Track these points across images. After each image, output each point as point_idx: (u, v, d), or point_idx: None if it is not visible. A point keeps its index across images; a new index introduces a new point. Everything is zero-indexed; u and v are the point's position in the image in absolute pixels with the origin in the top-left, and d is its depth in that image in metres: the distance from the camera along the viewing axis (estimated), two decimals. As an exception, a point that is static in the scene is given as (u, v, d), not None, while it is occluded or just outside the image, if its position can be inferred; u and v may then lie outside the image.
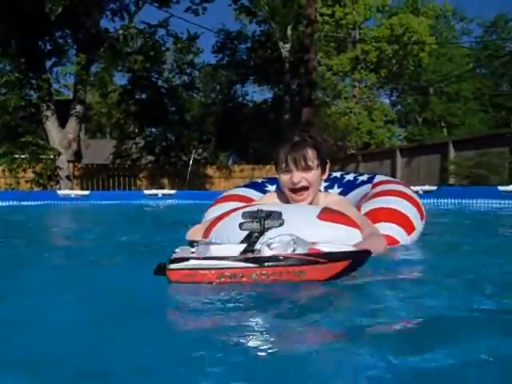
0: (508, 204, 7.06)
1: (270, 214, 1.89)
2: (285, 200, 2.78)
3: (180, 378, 1.14)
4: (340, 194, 3.38)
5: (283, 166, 2.60)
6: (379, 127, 27.97)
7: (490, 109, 30.74)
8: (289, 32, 29.26)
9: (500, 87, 31.36)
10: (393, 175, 17.28)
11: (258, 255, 1.82)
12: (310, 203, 2.68)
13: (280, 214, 1.91)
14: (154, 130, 26.86)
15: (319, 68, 28.42)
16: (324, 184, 3.35)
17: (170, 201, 10.70)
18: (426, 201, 8.11)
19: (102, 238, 4.09)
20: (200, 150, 28.72)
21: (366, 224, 2.55)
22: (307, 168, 2.59)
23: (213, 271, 1.78)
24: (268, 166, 22.64)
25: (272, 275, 1.76)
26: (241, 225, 1.89)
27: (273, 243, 1.83)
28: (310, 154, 2.60)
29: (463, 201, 7.84)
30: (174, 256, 1.83)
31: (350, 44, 32.05)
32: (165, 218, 7.15)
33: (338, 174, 3.69)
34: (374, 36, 31.54)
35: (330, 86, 27.58)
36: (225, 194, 3.44)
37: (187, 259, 1.81)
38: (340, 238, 2.21)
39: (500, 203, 7.43)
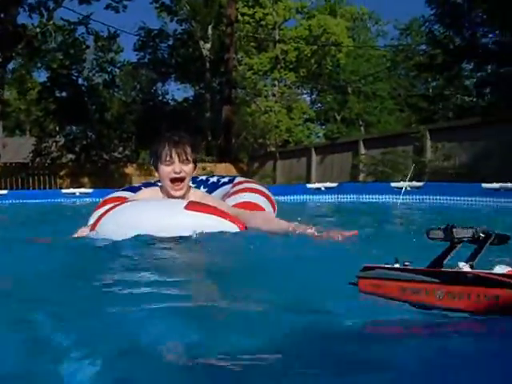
0: (398, 199, 7.69)
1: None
2: (157, 195, 3.20)
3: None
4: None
5: (167, 158, 2.97)
6: (298, 125, 28.74)
7: (406, 108, 31.97)
8: (209, 31, 29.63)
9: (415, 88, 32.64)
10: (308, 172, 17.95)
11: (455, 270, 1.43)
12: (183, 197, 3.10)
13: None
14: (74, 128, 26.65)
15: (240, 67, 28.91)
16: (192, 185, 3.76)
17: (87, 199, 10.84)
18: (328, 196, 8.68)
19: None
20: (120, 149, 28.68)
21: (246, 213, 3.11)
22: (187, 161, 3.00)
23: (397, 283, 1.54)
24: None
25: (458, 296, 1.38)
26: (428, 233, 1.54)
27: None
28: (189, 149, 3.03)
29: (361, 196, 8.44)
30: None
31: (270, 44, 32.68)
32: (79, 216, 7.32)
33: (203, 177, 4.26)
34: (293, 36, 32.27)
35: (250, 84, 28.06)
36: (105, 197, 3.78)
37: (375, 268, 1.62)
38: (208, 227, 2.71)
39: (394, 198, 8.08)
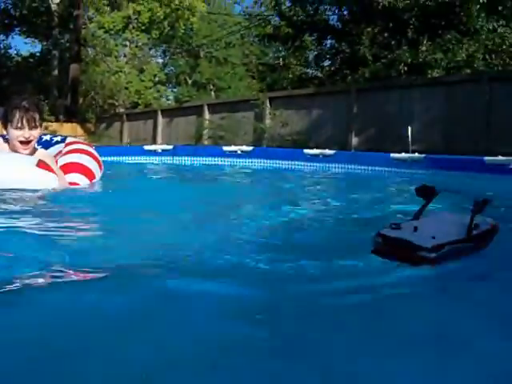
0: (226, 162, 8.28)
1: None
2: (7, 149, 3.56)
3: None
4: None
5: (18, 124, 3.38)
6: (148, 88, 28.55)
7: (257, 75, 32.69)
8: (60, -16, 28.41)
9: (266, 56, 33.46)
10: (154, 134, 18.17)
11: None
12: (29, 154, 3.53)
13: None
14: None
15: (90, 25, 28.02)
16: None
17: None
18: (165, 158, 9.08)
19: None
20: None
21: (60, 172, 3.58)
22: (35, 126, 3.45)
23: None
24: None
25: None
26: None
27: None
28: (37, 116, 3.47)
29: (194, 158, 8.94)
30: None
31: (124, 3, 31.94)
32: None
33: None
34: (147, -3, 31.79)
35: (101, 43, 27.35)
36: None
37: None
38: (48, 183, 3.26)
39: (223, 161, 8.68)
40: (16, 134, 3.41)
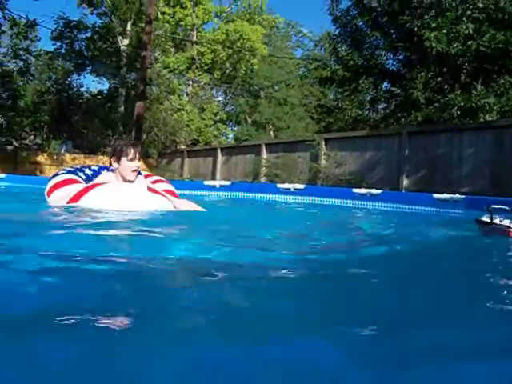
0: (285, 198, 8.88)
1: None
2: (115, 179, 4.41)
3: None
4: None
5: (130, 156, 4.29)
6: (209, 126, 29.69)
7: (316, 115, 33.29)
8: (128, 27, 29.98)
9: (326, 97, 34.05)
10: (213, 171, 18.93)
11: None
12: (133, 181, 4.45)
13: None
14: (-16, 113, 26.40)
15: (156, 65, 29.46)
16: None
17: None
18: (223, 192, 9.73)
19: None
20: (32, 137, 28.62)
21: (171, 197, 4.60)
22: (140, 159, 4.39)
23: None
24: (100, 156, 23.29)
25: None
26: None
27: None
28: (140, 151, 4.43)
29: (249, 194, 9.56)
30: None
31: (188, 44, 33.38)
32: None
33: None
34: (211, 39, 33.15)
35: (165, 82, 28.67)
36: (59, 179, 4.64)
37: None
38: (160, 205, 4.16)
39: (279, 197, 9.27)
40: (129, 164, 4.30)
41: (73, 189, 4.25)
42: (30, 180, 11.72)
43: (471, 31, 13.60)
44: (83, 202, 3.94)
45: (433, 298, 1.82)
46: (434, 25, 13.90)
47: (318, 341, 1.29)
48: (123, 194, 4.05)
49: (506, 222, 3.45)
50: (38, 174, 20.67)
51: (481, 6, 13.74)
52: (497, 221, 3.52)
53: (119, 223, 3.52)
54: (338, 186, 12.44)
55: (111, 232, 3.11)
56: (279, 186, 9.61)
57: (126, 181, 4.35)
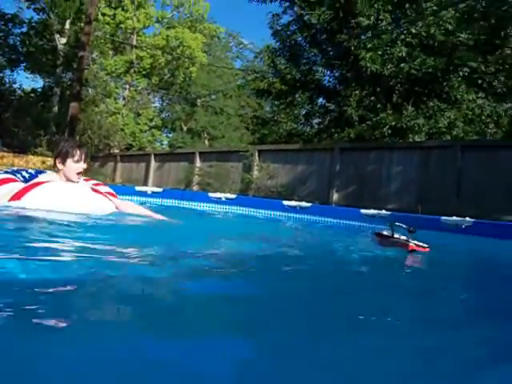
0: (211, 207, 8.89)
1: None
2: (58, 179, 4.35)
3: None
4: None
5: (76, 158, 4.29)
6: (143, 131, 29.46)
7: (251, 126, 33.52)
8: (67, 26, 29.45)
9: (262, 109, 34.36)
10: (146, 177, 18.77)
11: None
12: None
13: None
14: None
15: (93, 66, 28.99)
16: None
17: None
18: (154, 199, 9.67)
19: None
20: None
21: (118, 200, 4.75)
22: (85, 161, 4.37)
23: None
24: (30, 156, 22.67)
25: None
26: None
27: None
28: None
29: (181, 202, 9.54)
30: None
31: (127, 47, 33.06)
32: None
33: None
34: (150, 44, 32.95)
35: (102, 84, 28.27)
36: None
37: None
38: (105, 206, 4.22)
39: (209, 206, 9.28)
40: (75, 166, 4.28)
41: (14, 186, 4.12)
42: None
43: (404, 54, 14.07)
44: (26, 200, 3.84)
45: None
46: (369, 45, 14.31)
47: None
48: (68, 193, 4.03)
49: (403, 238, 4.01)
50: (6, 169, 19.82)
51: (414, 31, 14.25)
52: (397, 235, 4.12)
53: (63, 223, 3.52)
54: (270, 198, 12.58)
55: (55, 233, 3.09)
56: (211, 194, 9.63)
57: (69, 181, 4.33)
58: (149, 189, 10.20)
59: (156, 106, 36.67)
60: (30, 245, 2.65)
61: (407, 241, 3.91)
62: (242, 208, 9.22)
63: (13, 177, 4.57)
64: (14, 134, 29.67)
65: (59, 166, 4.31)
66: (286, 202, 8.98)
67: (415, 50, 14.26)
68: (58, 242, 2.79)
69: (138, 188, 10.26)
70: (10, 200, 3.90)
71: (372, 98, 15.73)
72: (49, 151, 24.48)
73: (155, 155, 19.53)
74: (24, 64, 31.91)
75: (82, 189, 4.24)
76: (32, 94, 32.64)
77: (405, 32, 14.54)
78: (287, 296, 2.02)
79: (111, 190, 4.83)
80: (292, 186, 13.88)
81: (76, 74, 22.29)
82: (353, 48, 14.85)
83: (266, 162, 14.88)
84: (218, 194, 9.60)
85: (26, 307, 1.46)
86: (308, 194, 13.25)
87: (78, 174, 4.34)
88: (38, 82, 35.19)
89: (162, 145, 34.01)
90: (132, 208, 4.53)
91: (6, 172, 4.74)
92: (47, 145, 26.08)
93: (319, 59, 17.59)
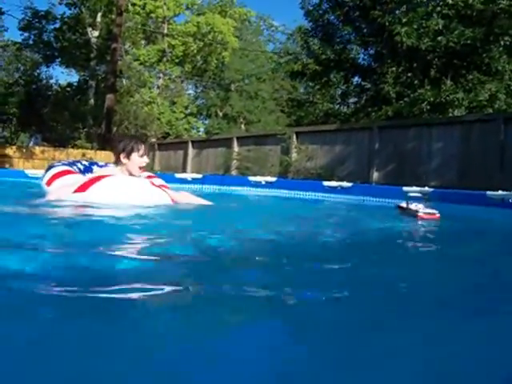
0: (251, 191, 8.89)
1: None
2: (120, 173, 4.44)
3: None
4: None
5: (141, 152, 4.42)
6: (179, 119, 29.56)
7: (287, 109, 33.34)
8: (98, 19, 29.66)
9: (297, 91, 34.11)
10: (184, 164, 18.86)
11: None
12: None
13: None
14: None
15: (126, 57, 29.20)
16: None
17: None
18: (194, 186, 9.70)
19: None
20: (-1, 129, 28.17)
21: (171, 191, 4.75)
22: (147, 155, 4.52)
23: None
24: (70, 149, 22.97)
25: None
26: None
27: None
28: None
29: (221, 186, 9.56)
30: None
31: (159, 37, 33.15)
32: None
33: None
34: (182, 31, 32.95)
35: (136, 75, 28.44)
36: (58, 170, 4.73)
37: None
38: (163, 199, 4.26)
39: (250, 190, 9.28)
40: (139, 160, 4.41)
41: (77, 179, 4.34)
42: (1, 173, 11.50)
43: (441, 27, 13.78)
44: (92, 192, 3.96)
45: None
46: (404, 20, 14.05)
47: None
48: (132, 187, 4.15)
49: (420, 206, 4.53)
50: (7, 167, 20.21)
51: (450, 2, 13.92)
52: (412, 206, 4.64)
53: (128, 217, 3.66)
54: (309, 180, 12.50)
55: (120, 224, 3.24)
56: (251, 178, 9.62)
57: (131, 175, 4.46)
58: (189, 175, 10.25)
59: (190, 94, 36.78)
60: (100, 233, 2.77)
61: (417, 211, 4.46)
62: (282, 191, 9.18)
63: (71, 169, 4.80)
64: (52, 128, 30.14)
65: (124, 160, 4.44)
66: (326, 183, 8.91)
67: (452, 21, 13.93)
68: (132, 232, 2.87)
69: (178, 175, 10.32)
70: (75, 191, 4.03)
71: (409, 74, 15.47)
72: (88, 143, 24.82)
73: (192, 142, 19.61)
74: (59, 59, 32.27)
75: (143, 183, 4.34)
76: (68, 89, 33.03)
77: (441, 3, 14.22)
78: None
79: (164, 182, 4.88)
80: (331, 167, 13.77)
81: (110, 66, 22.47)
82: (387, 24, 14.60)
83: (304, 144, 14.78)
84: (257, 178, 9.58)
85: (105, 295, 1.49)
86: (347, 175, 13.11)
87: (141, 168, 4.47)
88: (73, 76, 35.48)
89: (198, 132, 34.08)
90: (186, 197, 4.59)
91: (65, 164, 4.98)
92: (86, 137, 26.46)
93: (353, 37, 17.37)
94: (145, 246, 2.55)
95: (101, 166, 5.06)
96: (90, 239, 2.50)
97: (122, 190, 4.05)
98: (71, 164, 5.01)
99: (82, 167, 4.97)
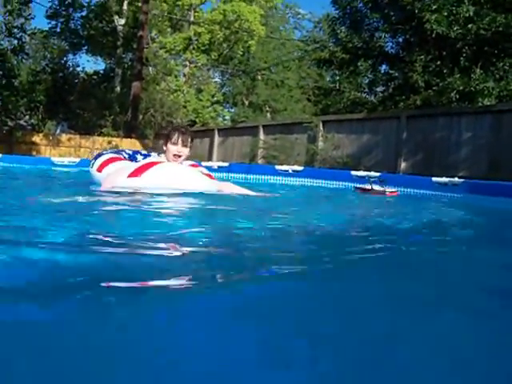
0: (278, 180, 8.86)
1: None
2: (166, 160, 4.54)
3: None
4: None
5: (173, 140, 4.43)
6: (206, 107, 29.55)
7: (313, 98, 33.21)
8: (125, 7, 29.75)
9: (323, 79, 33.93)
10: (210, 152, 18.88)
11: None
12: None
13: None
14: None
15: (152, 45, 29.25)
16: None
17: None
18: (220, 174, 9.70)
19: None
20: (27, 117, 28.43)
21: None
22: (185, 146, 4.46)
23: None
24: (96, 137, 23.14)
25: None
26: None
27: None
28: (189, 138, 4.51)
29: (248, 175, 9.54)
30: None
31: (185, 25, 33.13)
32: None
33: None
34: (208, 19, 32.87)
35: (162, 63, 28.49)
36: (108, 156, 4.96)
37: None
38: (211, 187, 4.34)
39: (276, 179, 9.26)
40: (172, 148, 4.41)
41: (128, 164, 4.50)
42: (27, 160, 11.59)
43: (472, 14, 13.50)
44: (145, 177, 4.06)
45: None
46: (434, 7, 13.79)
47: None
48: (183, 174, 4.22)
49: (380, 188, 5.95)
50: (34, 154, 20.48)
51: (482, -12, 13.65)
52: (376, 187, 5.96)
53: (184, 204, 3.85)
54: (335, 169, 12.41)
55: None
56: (277, 167, 9.57)
57: None
58: (215, 163, 10.25)
59: (216, 82, 36.73)
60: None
61: (384, 191, 5.86)
62: (310, 180, 9.13)
63: (120, 156, 5.01)
64: (79, 116, 30.39)
65: (164, 148, 4.54)
66: (354, 172, 8.82)
67: (483, 8, 13.63)
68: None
69: (204, 163, 10.32)
70: (129, 176, 4.11)
71: (438, 63, 15.22)
72: (114, 131, 24.97)
73: (218, 130, 19.62)
74: (85, 47, 32.49)
75: (192, 170, 4.41)
76: (94, 76, 33.25)
77: (472, -11, 13.94)
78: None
79: (208, 171, 4.93)
80: (358, 156, 13.66)
81: (136, 54, 22.58)
82: (417, 11, 14.34)
83: (331, 133, 14.68)
84: (284, 167, 9.54)
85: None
86: (375, 164, 12.99)
87: (175, 156, 4.45)
88: (99, 64, 35.86)
89: (224, 120, 34.08)
90: (230, 187, 4.59)
91: (113, 152, 5.22)
92: (112, 125, 26.61)
93: (381, 25, 17.11)
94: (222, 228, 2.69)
95: (144, 155, 5.16)
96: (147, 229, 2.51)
97: (175, 176, 4.13)
98: (118, 152, 5.21)
99: (126, 155, 5.12)
